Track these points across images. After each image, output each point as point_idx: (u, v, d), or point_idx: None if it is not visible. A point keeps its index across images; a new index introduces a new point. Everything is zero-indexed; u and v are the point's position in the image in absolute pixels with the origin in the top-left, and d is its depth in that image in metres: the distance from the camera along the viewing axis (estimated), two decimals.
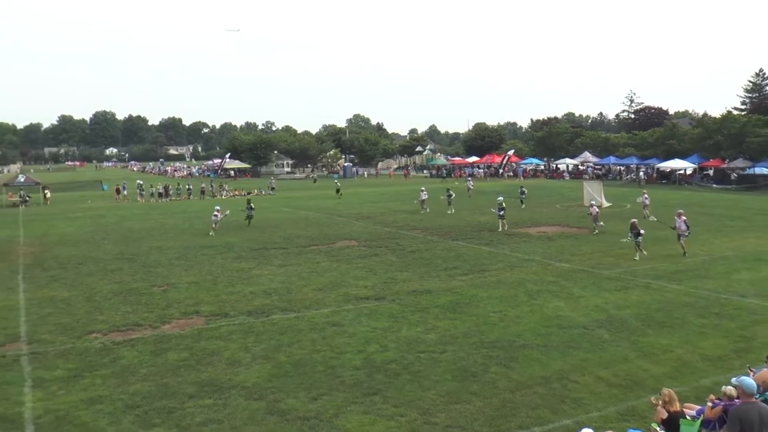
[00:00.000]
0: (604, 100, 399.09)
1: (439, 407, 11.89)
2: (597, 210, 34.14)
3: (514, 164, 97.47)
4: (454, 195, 46.06)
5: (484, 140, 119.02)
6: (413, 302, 19.70)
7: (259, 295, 21.01)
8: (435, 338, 16.09)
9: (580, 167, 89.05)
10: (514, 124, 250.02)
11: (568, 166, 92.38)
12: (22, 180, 67.93)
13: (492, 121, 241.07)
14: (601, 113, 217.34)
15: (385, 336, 16.32)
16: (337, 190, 62.23)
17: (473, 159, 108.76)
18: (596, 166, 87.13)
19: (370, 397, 12.41)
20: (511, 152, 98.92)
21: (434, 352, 14.98)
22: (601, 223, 33.97)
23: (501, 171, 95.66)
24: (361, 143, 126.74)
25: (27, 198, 61.45)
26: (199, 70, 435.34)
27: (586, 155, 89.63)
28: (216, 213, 36.61)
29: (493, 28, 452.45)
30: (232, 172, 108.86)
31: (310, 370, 14.01)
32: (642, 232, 25.91)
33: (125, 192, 67.91)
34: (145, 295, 21.59)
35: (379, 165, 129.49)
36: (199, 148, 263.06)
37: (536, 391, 12.54)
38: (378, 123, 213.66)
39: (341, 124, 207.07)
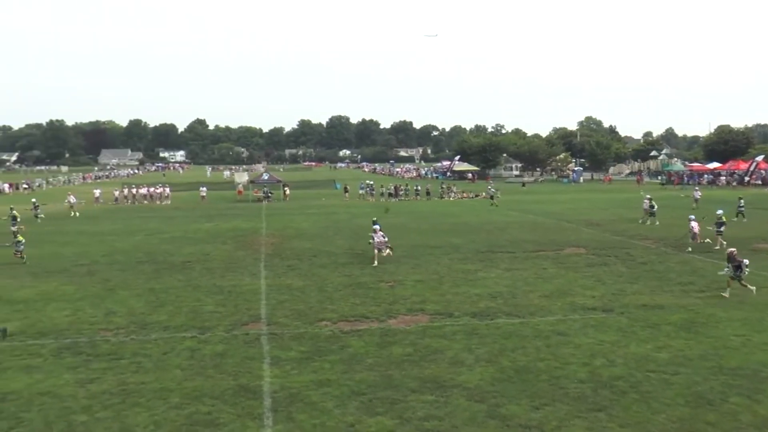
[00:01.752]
0: None
1: None
2: None
3: (763, 171, 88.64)
4: (656, 207, 42.39)
5: (727, 144, 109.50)
6: (643, 317, 18.55)
7: (485, 298, 20.96)
8: (667, 358, 14.99)
9: None
10: (765, 126, 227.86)
11: None
12: (266, 178, 73.67)
13: (738, 123, 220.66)
14: None
15: (612, 350, 15.52)
16: (492, 197, 60.70)
17: (714, 165, 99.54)
18: None
19: (594, 413, 11.83)
20: (759, 158, 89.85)
21: (665, 373, 13.94)
22: None
23: (747, 179, 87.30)
24: (592, 146, 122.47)
25: (270, 194, 66.55)
26: (427, 74, 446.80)
27: None
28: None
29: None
30: (470, 175, 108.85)
31: (533, 377, 13.68)
32: (746, 262, 21.08)
33: (361, 192, 70.82)
34: (372, 290, 22.44)
35: (611, 170, 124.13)
36: (429, 151, 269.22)
37: None
38: (610, 125, 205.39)
39: (572, 126, 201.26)
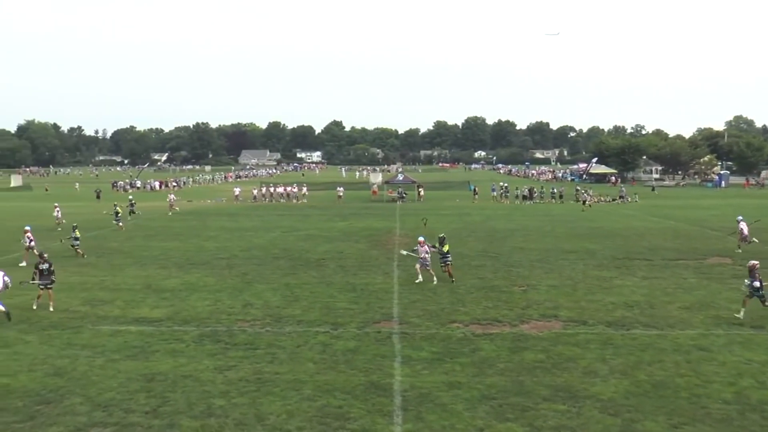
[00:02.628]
0: None
1: None
2: None
3: None
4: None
5: None
6: None
7: (620, 307, 20.20)
8: None
9: None
10: None
11: None
12: (401, 178, 74.46)
13: None
14: None
15: (762, 371, 14.46)
16: (584, 202, 58.75)
17: None
18: None
19: None
20: None
21: None
22: None
23: None
24: (741, 148, 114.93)
25: (404, 194, 67.18)
26: (565, 74, 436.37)
27: None
28: None
29: None
30: (612, 178, 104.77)
31: (671, 394, 13.02)
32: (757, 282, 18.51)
33: (494, 193, 70.00)
34: (505, 293, 22.17)
35: (762, 174, 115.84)
36: (565, 152, 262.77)
37: None
38: (764, 125, 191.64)
39: (718, 126, 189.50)
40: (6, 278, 19.48)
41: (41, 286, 20.64)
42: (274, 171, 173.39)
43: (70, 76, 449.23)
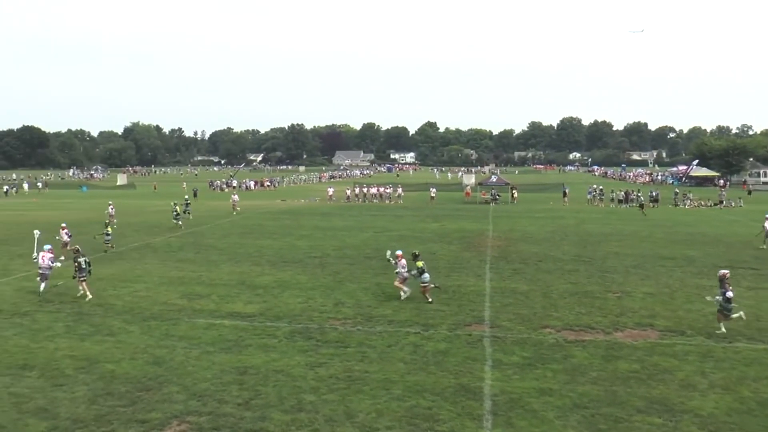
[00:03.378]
0: None
1: None
2: None
3: None
4: None
5: None
6: None
7: None
8: None
9: None
10: None
11: None
12: (494, 180, 73.67)
13: None
14: None
15: None
16: (641, 206, 55.90)
17: None
18: None
19: None
20: None
21: None
22: None
23: None
24: None
25: (497, 196, 66.47)
26: (664, 73, 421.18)
27: None
28: None
29: None
30: (721, 181, 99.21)
31: None
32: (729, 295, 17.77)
33: (589, 196, 68.17)
34: (599, 299, 21.65)
35: None
36: (663, 154, 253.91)
37: None
38: None
39: None
40: (53, 261, 20.22)
41: (80, 279, 22.00)
42: (368, 172, 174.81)
43: (172, 80, 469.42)
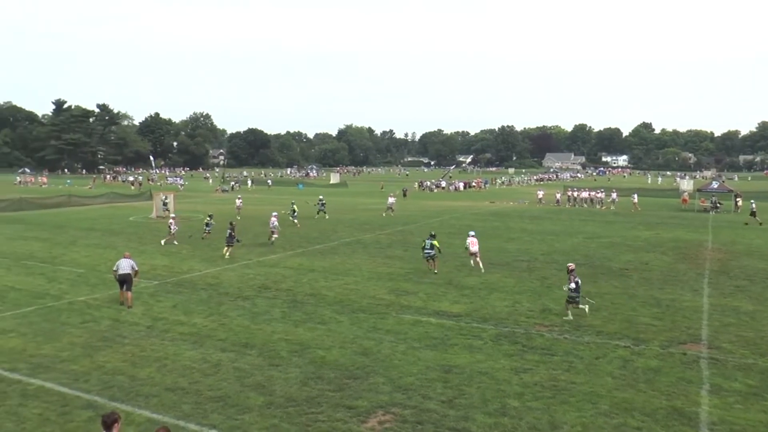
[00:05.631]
0: None
1: None
2: None
3: None
4: None
5: None
6: None
7: None
8: None
9: None
10: None
11: None
12: (715, 186, 68.50)
13: None
14: None
15: None
16: (752, 214, 49.58)
17: None
18: None
19: None
20: None
21: None
22: None
23: None
24: None
25: (718, 204, 61.73)
26: None
27: None
28: None
29: None
30: None
31: None
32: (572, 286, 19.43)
33: None
34: None
35: None
36: None
37: None
38: None
39: None
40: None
41: (228, 245, 30.56)
42: (579, 175, 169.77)
43: (383, 85, 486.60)
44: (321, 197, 53.94)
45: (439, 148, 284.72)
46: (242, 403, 12.84)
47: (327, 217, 48.91)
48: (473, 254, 27.76)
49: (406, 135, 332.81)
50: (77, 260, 29.56)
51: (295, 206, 45.99)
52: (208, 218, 38.08)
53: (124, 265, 21.19)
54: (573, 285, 19.48)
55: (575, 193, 71.03)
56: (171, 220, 36.20)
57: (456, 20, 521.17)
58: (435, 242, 27.02)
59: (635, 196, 67.02)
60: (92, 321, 19.11)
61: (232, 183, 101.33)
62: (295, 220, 44.13)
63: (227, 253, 30.29)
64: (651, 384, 14.03)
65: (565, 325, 18.79)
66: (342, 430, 11.68)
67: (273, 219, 35.42)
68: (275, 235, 34.86)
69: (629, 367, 15.19)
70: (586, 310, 19.80)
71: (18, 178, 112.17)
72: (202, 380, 14.12)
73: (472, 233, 28.78)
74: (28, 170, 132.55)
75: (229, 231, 30.90)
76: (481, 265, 27.36)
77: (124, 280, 21.02)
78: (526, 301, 21.80)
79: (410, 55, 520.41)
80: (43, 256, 30.92)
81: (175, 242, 34.67)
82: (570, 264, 21.28)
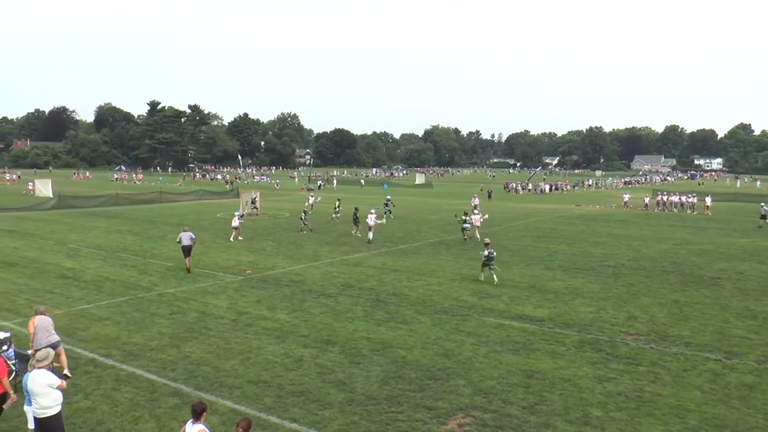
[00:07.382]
0: None
1: None
2: None
3: None
4: None
5: None
6: None
7: None
8: None
9: None
10: None
11: None
12: None
13: None
14: None
15: None
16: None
17: None
18: None
19: None
20: None
21: None
22: None
23: None
24: None
25: None
26: None
27: None
28: None
29: None
30: None
31: None
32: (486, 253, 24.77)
33: None
34: None
35: None
36: None
37: None
38: None
39: None
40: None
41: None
42: (670, 179, 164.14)
43: (472, 87, 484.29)
44: (389, 197, 55.34)
45: (525, 150, 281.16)
46: (323, 398, 13.02)
47: (392, 217, 49.12)
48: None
49: (493, 136, 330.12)
50: (166, 254, 30.62)
51: (338, 203, 48.37)
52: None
53: (185, 237, 26.24)
54: (486, 253, 25.09)
55: (665, 197, 68.65)
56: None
57: (544, 20, 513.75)
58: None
59: (708, 198, 64.15)
60: (179, 312, 19.80)
61: (319, 182, 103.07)
62: (336, 215, 45.99)
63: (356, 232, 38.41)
64: (745, 401, 13.39)
65: (651, 334, 18.19)
66: (422, 430, 11.70)
67: (371, 216, 35.84)
68: (371, 233, 35.78)
69: (720, 381, 14.56)
70: (495, 278, 24.80)
71: (115, 175, 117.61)
72: (284, 374, 14.41)
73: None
74: (123, 167, 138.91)
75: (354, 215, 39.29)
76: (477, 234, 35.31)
77: (187, 249, 26.13)
78: (611, 308, 21.23)
79: (499, 55, 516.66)
80: (135, 249, 32.26)
81: (240, 237, 35.77)
82: (486, 239, 28.36)
